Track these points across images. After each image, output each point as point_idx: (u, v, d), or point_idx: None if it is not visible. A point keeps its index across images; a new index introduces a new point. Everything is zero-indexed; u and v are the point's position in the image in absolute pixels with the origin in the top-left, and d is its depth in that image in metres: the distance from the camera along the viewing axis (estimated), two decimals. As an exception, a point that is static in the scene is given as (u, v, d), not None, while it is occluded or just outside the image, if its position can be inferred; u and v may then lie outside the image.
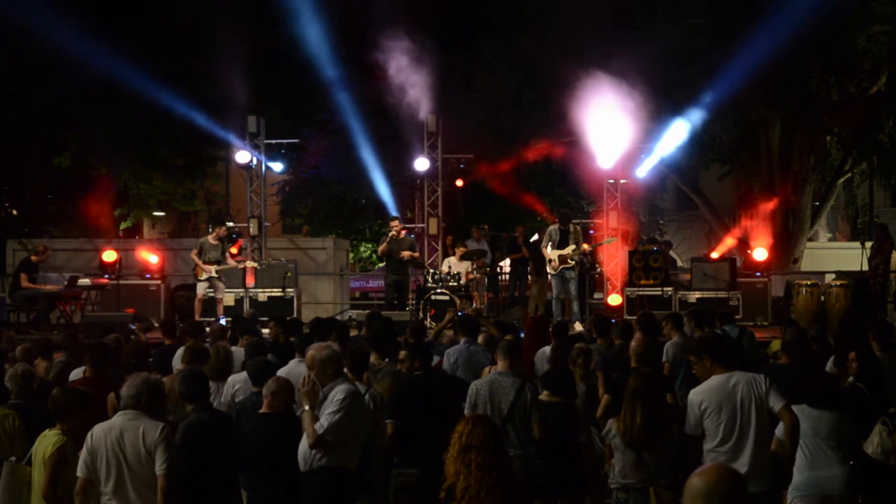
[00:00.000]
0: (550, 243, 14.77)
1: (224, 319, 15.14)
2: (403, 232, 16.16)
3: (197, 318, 14.96)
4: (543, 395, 7.24)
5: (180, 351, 8.71)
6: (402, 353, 7.95)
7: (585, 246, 15.43)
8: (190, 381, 6.34)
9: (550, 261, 14.82)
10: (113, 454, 5.61)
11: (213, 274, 15.22)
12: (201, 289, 15.31)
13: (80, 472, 5.66)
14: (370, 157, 20.26)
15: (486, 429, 4.43)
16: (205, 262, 15.22)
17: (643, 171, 19.53)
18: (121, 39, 18.29)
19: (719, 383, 6.16)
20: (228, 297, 15.93)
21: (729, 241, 21.01)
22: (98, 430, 5.70)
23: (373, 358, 8.06)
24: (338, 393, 6.25)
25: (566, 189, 24.53)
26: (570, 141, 21.67)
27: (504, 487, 4.32)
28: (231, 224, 19.28)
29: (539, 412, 6.96)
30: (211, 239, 15.42)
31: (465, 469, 4.33)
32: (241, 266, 16.16)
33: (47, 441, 5.91)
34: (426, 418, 7.00)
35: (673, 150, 19.40)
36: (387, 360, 8.29)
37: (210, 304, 15.69)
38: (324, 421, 6.16)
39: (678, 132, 18.84)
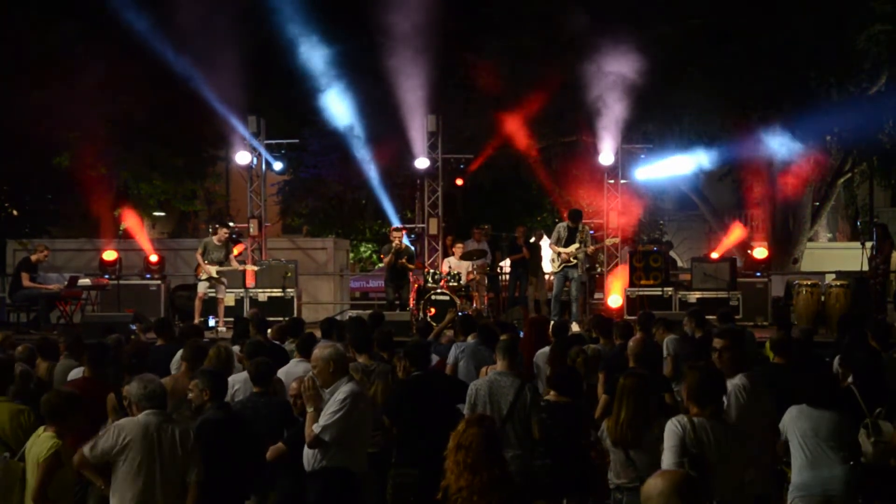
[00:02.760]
0: (558, 240, 14.84)
1: (213, 319, 15.19)
2: (402, 241, 16.25)
3: (197, 317, 15.01)
4: (550, 395, 7.24)
5: (180, 352, 8.75)
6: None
7: (591, 248, 15.45)
8: (212, 378, 6.40)
9: (552, 260, 14.89)
10: (148, 453, 5.57)
11: (214, 275, 15.21)
12: (202, 288, 15.29)
13: (94, 457, 5.59)
14: (369, 158, 20.26)
15: (479, 430, 4.40)
16: (208, 263, 15.20)
17: (643, 174, 19.56)
18: (121, 39, 18.27)
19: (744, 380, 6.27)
20: (229, 298, 15.94)
21: (737, 232, 20.83)
22: (129, 426, 5.63)
23: (362, 359, 8.06)
24: (339, 393, 6.27)
25: (565, 188, 24.50)
26: (571, 141, 21.73)
27: (497, 491, 4.28)
28: (231, 224, 19.28)
29: (539, 412, 6.96)
30: (215, 240, 15.40)
31: (457, 469, 4.31)
32: (244, 268, 16.12)
33: (42, 443, 5.87)
34: (425, 418, 6.99)
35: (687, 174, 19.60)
36: (375, 361, 8.26)
37: (211, 304, 15.70)
38: (322, 420, 6.17)
39: (688, 163, 19.00)
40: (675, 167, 19.24)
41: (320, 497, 6.29)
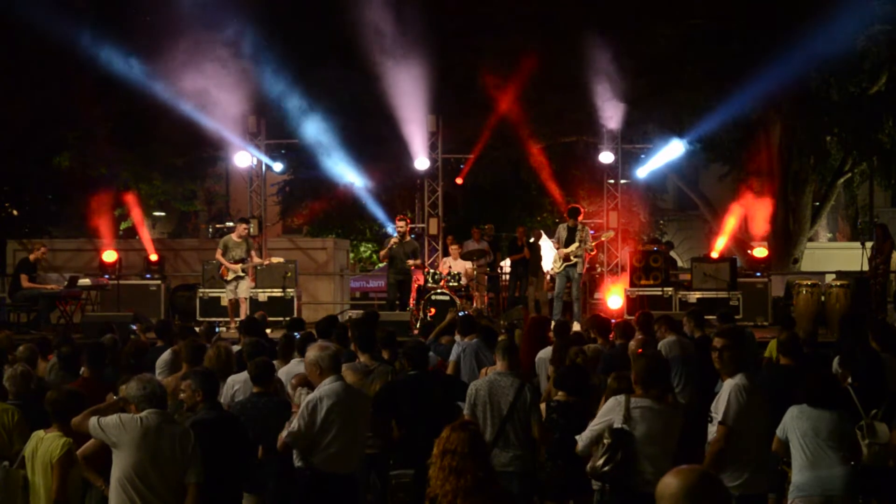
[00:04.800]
0: (559, 241, 14.91)
1: (217, 327, 15.00)
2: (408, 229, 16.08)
3: (232, 319, 14.64)
4: (559, 395, 7.24)
5: (168, 351, 8.83)
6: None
7: (591, 245, 15.45)
8: (205, 378, 6.37)
9: (554, 259, 14.96)
10: (148, 454, 5.52)
11: (240, 273, 14.90)
12: (230, 291, 14.87)
13: (98, 427, 5.55)
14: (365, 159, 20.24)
15: (463, 434, 4.40)
16: (230, 261, 14.85)
17: (643, 172, 19.58)
18: (121, 40, 18.26)
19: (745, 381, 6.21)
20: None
21: (734, 217, 20.68)
22: (131, 424, 5.58)
23: (364, 359, 8.08)
24: (308, 396, 6.37)
25: (566, 189, 24.54)
26: (571, 141, 21.74)
27: (482, 493, 4.29)
28: (231, 224, 19.22)
29: (538, 412, 6.97)
30: (234, 237, 15.14)
31: (442, 474, 4.32)
32: (266, 263, 15.70)
33: (52, 443, 5.84)
34: (421, 418, 6.99)
35: (675, 158, 19.50)
36: (377, 362, 8.27)
37: (212, 304, 15.65)
38: (291, 425, 6.28)
39: (675, 149, 18.93)
40: (672, 151, 19.13)
41: (297, 498, 6.37)
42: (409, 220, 16.31)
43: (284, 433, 6.25)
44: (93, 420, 5.62)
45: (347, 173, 20.21)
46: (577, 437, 6.02)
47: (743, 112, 18.74)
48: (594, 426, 5.91)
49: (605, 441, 5.76)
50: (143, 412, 5.64)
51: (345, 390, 6.48)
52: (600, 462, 5.77)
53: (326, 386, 6.38)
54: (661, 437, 5.79)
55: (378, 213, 23.01)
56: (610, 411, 5.85)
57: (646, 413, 5.78)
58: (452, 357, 9.24)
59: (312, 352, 6.59)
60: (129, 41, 18.13)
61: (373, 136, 20.01)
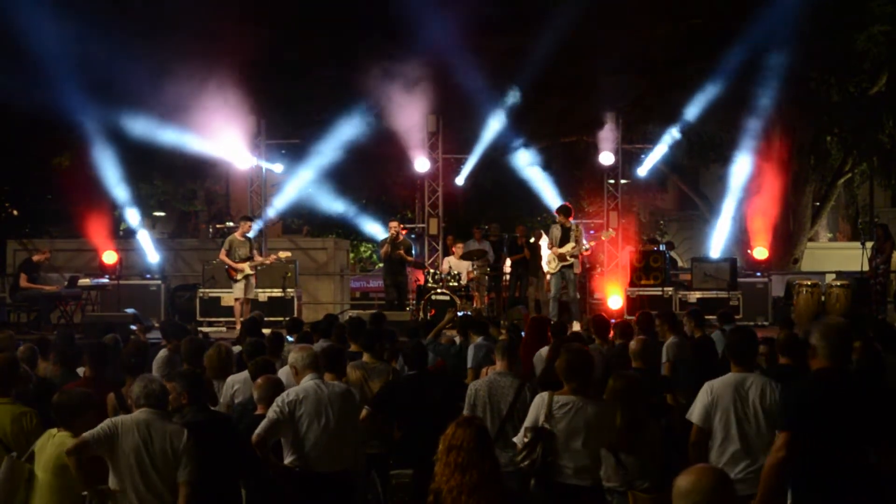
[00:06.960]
0: (554, 241, 14.85)
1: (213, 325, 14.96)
2: (403, 233, 16.15)
3: (238, 321, 14.38)
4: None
5: (163, 350, 8.83)
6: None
7: (589, 245, 15.42)
8: (191, 380, 6.32)
9: (549, 261, 14.89)
10: (137, 454, 5.51)
11: (249, 272, 14.86)
12: (238, 291, 14.77)
13: (94, 441, 5.54)
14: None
15: (469, 430, 4.43)
16: (236, 260, 14.74)
17: (643, 170, 19.60)
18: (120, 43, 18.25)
19: (736, 381, 6.03)
20: (227, 298, 15.78)
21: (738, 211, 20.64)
22: (123, 423, 5.58)
23: (366, 357, 8.10)
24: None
25: (566, 190, 24.52)
26: (571, 141, 21.75)
27: (487, 489, 4.31)
28: (231, 224, 19.21)
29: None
30: (238, 235, 15.07)
31: (448, 470, 4.34)
32: (271, 260, 15.62)
33: (62, 442, 5.82)
34: (420, 418, 6.99)
35: (669, 150, 19.50)
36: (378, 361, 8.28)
37: (213, 305, 15.63)
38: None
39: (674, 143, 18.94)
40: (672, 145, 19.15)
41: (285, 496, 6.40)
42: (400, 224, 16.38)
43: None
44: (86, 435, 5.59)
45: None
46: (514, 439, 6.20)
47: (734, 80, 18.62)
48: (522, 429, 6.05)
49: (525, 439, 5.93)
50: (137, 411, 5.66)
51: (318, 388, 6.47)
52: (519, 458, 5.95)
53: (300, 385, 6.43)
54: (584, 432, 5.91)
55: (374, 224, 23.18)
56: (534, 409, 6.01)
57: (567, 409, 5.93)
58: (474, 363, 9.16)
59: (290, 354, 6.66)
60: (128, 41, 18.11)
61: (372, 136, 20.00)
